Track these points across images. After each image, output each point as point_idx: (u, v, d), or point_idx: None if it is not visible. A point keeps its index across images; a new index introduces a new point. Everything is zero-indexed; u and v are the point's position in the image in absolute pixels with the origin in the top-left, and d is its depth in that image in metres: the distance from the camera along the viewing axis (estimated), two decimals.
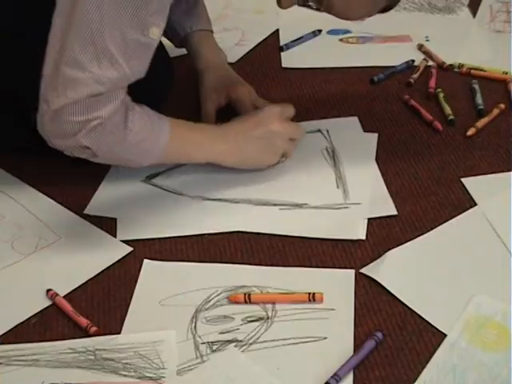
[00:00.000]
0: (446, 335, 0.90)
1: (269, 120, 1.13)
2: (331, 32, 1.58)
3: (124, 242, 1.06)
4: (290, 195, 1.13)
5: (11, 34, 1.08)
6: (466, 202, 1.11)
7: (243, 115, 1.20)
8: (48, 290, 0.98)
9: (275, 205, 1.12)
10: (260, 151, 1.14)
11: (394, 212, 1.10)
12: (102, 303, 0.97)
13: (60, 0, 0.91)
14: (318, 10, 1.10)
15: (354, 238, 1.05)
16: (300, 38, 1.56)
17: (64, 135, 0.95)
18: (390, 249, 1.03)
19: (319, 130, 1.27)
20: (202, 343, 0.91)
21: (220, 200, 1.13)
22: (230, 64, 1.35)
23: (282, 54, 1.52)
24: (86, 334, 0.92)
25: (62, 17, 0.91)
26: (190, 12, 1.32)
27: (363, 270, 1.00)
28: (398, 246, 1.04)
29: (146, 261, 1.03)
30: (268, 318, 0.94)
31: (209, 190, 1.15)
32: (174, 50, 1.37)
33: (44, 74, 0.94)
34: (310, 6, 1.10)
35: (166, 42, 1.35)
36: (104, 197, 1.15)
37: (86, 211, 1.12)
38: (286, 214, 1.10)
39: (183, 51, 1.35)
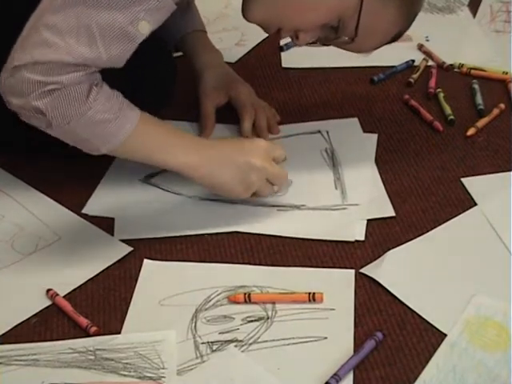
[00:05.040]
0: (446, 335, 0.90)
1: (253, 152, 1.06)
2: None
3: (123, 241, 1.06)
4: (288, 196, 1.13)
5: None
6: (466, 202, 1.11)
7: (230, 138, 1.16)
8: (48, 290, 0.98)
9: (273, 206, 1.12)
10: (231, 180, 1.05)
11: (392, 213, 1.09)
12: (102, 303, 0.97)
13: None
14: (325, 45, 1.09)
15: (351, 239, 1.05)
16: None
17: (18, 93, 0.92)
18: (389, 249, 1.03)
19: (319, 131, 1.27)
20: (202, 343, 0.91)
21: (218, 201, 1.13)
22: (229, 64, 1.35)
23: (282, 53, 1.52)
24: (86, 333, 0.92)
25: None
26: (185, 14, 1.32)
27: (363, 270, 1.00)
28: (398, 246, 1.04)
29: (145, 261, 1.03)
30: (268, 317, 0.94)
31: (206, 190, 1.14)
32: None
33: (21, 35, 0.93)
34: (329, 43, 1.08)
35: None
36: (102, 196, 1.15)
37: (84, 211, 1.12)
38: (284, 215, 1.10)
39: None
